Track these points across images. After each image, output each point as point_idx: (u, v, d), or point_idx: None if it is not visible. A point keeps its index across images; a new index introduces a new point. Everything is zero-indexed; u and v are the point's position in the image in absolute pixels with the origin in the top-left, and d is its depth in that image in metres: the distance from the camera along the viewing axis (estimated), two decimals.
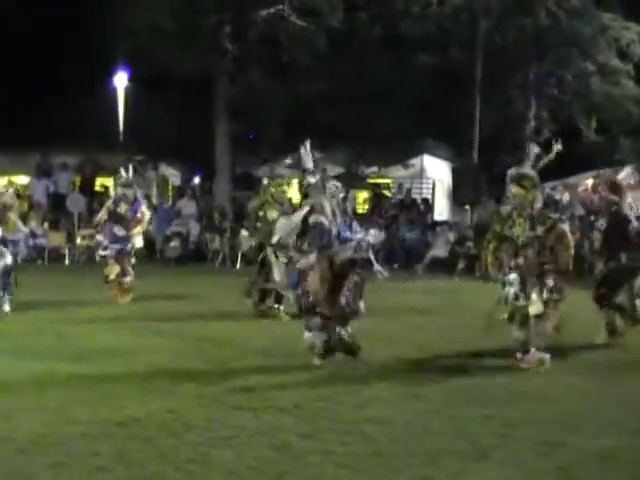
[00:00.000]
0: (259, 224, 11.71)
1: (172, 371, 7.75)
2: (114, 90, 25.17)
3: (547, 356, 8.19)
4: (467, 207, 24.23)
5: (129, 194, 12.86)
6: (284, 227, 8.64)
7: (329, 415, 6.30)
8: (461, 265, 19.27)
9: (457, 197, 25.90)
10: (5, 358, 8.14)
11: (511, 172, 8.50)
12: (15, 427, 5.83)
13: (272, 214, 11.43)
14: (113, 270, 12.64)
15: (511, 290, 8.22)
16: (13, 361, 8.04)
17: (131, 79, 25.09)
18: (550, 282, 8.14)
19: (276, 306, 11.44)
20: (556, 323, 8.31)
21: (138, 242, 13.11)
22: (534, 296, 8.13)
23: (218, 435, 5.73)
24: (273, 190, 11.85)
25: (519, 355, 8.22)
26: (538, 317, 8.15)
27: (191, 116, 24.27)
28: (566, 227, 8.81)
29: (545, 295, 8.13)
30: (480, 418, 6.30)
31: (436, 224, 22.88)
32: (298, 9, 23.24)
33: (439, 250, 20.46)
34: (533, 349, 8.18)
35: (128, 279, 12.77)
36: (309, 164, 8.38)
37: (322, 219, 8.10)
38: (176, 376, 7.55)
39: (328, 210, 8.14)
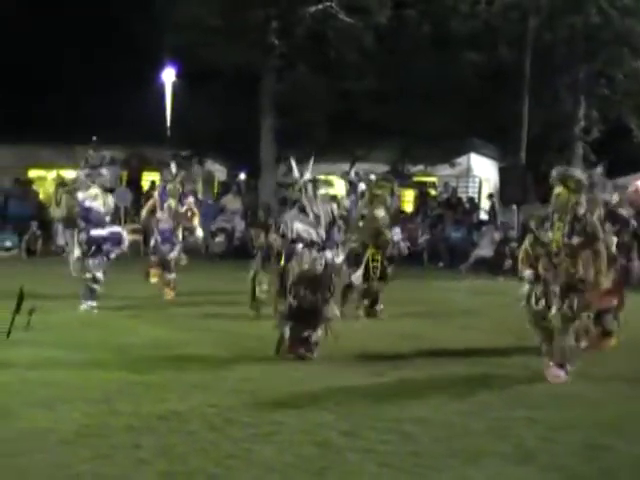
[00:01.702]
0: (361, 223, 11.68)
1: (214, 366, 7.80)
2: (162, 85, 25.37)
3: (563, 375, 7.62)
4: (514, 207, 24.04)
5: (176, 188, 12.92)
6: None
7: (370, 413, 6.29)
8: (507, 265, 19.12)
9: (504, 197, 25.71)
10: (50, 350, 8.23)
11: (557, 171, 7.90)
12: (59, 418, 5.90)
13: (379, 213, 11.43)
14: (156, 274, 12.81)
15: (525, 287, 7.89)
16: (58, 353, 8.13)
17: (178, 75, 25.28)
18: (574, 299, 7.57)
19: (381, 307, 11.53)
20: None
21: (198, 232, 13.28)
22: (554, 308, 7.63)
23: (259, 431, 5.75)
24: (379, 190, 11.76)
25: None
26: (559, 331, 7.64)
27: (237, 112, 24.36)
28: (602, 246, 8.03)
29: (565, 309, 7.59)
30: (523, 420, 6.24)
31: (482, 223, 22.75)
32: (346, 6, 23.26)
33: (484, 250, 20.35)
34: (552, 363, 7.70)
35: (172, 276, 12.85)
36: (295, 174, 8.69)
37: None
38: (218, 371, 7.60)
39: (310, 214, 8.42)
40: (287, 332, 8.21)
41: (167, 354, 8.36)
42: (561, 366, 7.65)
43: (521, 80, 25.15)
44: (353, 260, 11.53)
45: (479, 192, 26.67)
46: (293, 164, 8.77)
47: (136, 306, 11.57)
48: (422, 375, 7.71)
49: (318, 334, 8.30)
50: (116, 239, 11.33)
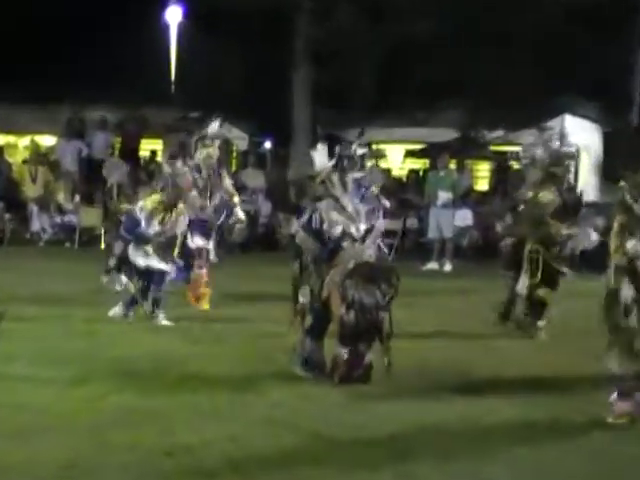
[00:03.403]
0: (523, 208, 11.70)
1: (235, 387, 7.80)
2: (165, 28, 25.45)
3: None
4: (622, 184, 23.88)
5: (215, 154, 12.64)
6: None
7: (435, 451, 6.24)
8: None
9: (609, 171, 25.54)
10: (26, 365, 8.28)
11: None
12: (34, 453, 5.90)
13: (546, 195, 11.38)
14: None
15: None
16: (35, 369, 8.17)
17: (187, 15, 25.34)
18: None
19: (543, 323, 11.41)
20: None
21: (240, 214, 13.06)
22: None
23: (293, 476, 5.71)
24: (557, 168, 11.65)
25: (612, 397, 7.19)
26: None
27: (262, 63, 24.37)
28: None
29: None
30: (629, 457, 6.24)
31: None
32: None
33: (583, 239, 20.19)
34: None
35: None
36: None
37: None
38: (240, 394, 7.61)
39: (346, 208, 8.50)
40: (344, 356, 8.11)
41: (174, 371, 8.38)
42: None
43: (631, 23, 24.90)
44: (507, 261, 11.60)
45: (576, 164, 26.49)
46: (320, 148, 8.78)
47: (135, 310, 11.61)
48: (505, 402, 7.66)
49: (370, 355, 8.21)
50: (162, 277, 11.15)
